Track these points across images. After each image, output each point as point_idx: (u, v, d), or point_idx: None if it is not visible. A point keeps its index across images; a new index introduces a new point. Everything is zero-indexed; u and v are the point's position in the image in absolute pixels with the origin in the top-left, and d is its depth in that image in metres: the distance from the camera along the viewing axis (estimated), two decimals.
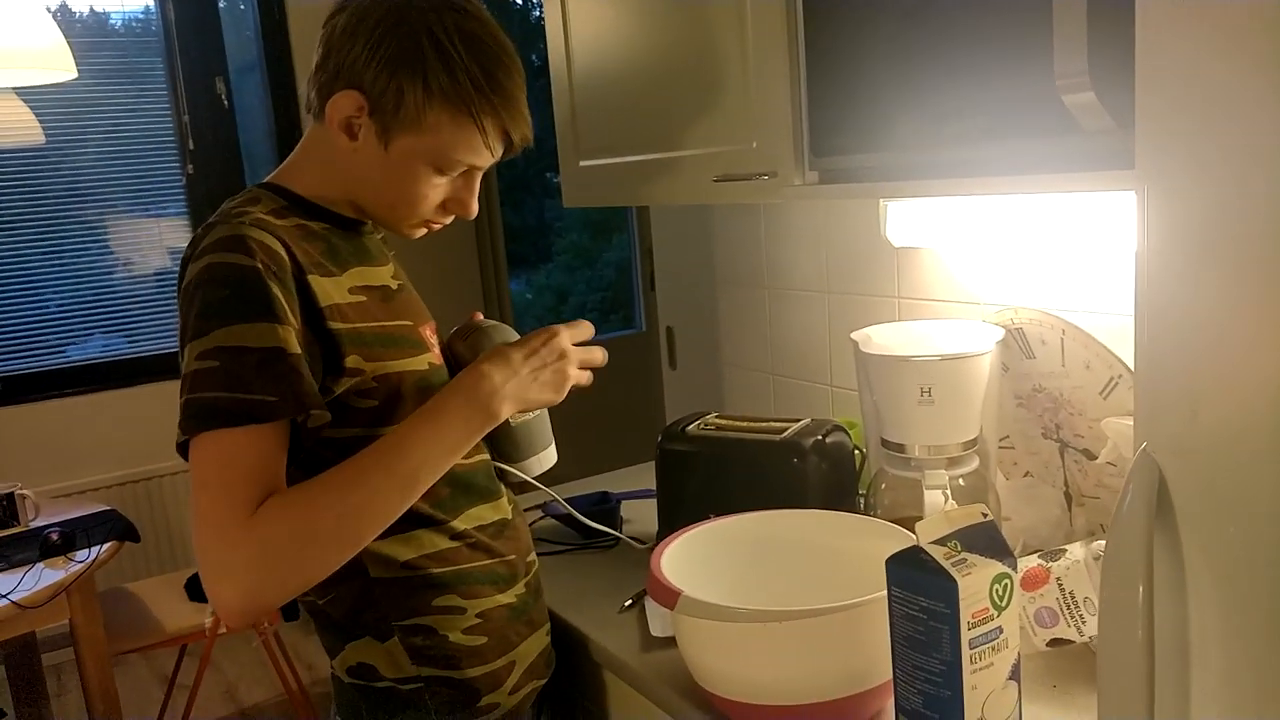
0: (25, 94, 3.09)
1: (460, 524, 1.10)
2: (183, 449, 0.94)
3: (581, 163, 1.63)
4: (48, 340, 3.42)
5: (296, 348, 0.94)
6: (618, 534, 1.56)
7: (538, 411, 1.23)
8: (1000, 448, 1.39)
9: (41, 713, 2.68)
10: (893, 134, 1.06)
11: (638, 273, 4.58)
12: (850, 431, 1.43)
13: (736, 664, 1.00)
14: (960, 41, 0.96)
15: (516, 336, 1.22)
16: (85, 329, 3.49)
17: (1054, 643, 1.06)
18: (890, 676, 0.91)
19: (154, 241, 3.56)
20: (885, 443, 1.28)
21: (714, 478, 1.41)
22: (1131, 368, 1.07)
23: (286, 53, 3.52)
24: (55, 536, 2.28)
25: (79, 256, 3.44)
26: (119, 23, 3.50)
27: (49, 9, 3.24)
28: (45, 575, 2.18)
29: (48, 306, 3.42)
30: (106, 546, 2.31)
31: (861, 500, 1.41)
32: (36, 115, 3.10)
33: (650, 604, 1.26)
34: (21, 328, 3.38)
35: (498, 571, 1.13)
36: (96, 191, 3.44)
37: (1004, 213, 1.33)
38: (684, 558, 1.13)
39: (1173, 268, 0.64)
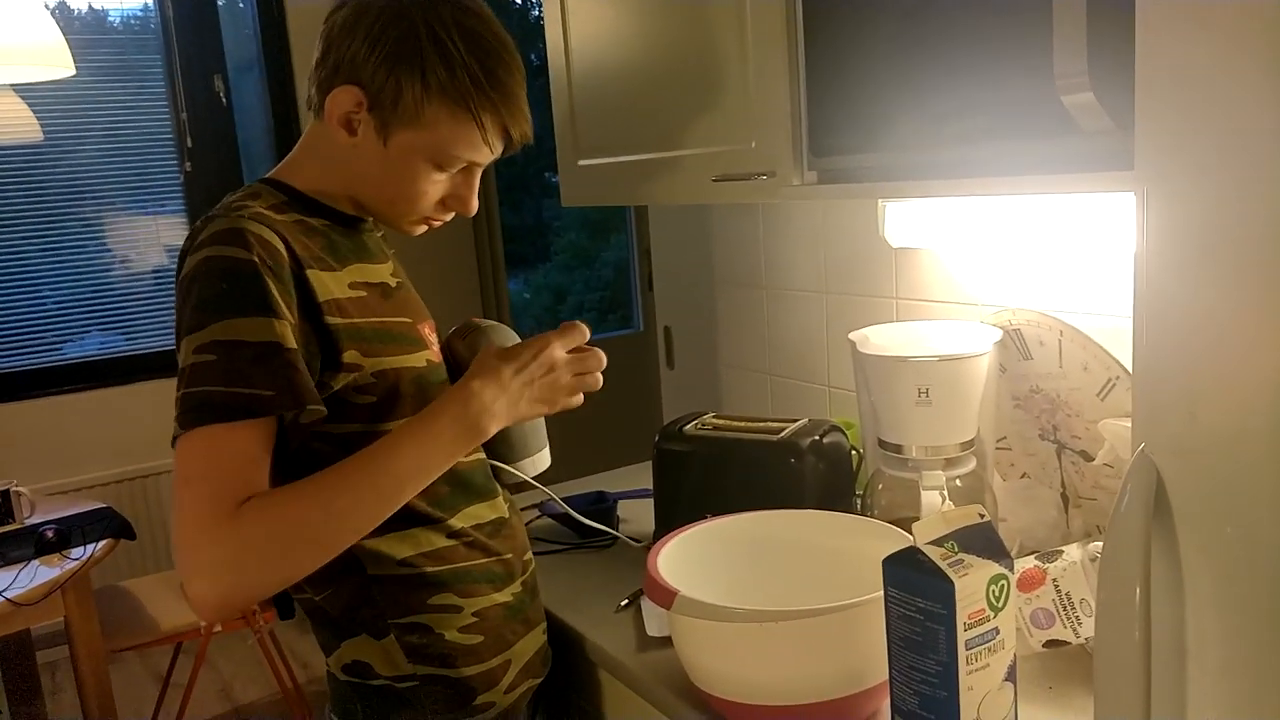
0: (23, 91, 3.08)
1: (457, 522, 1.10)
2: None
3: (580, 162, 1.62)
4: (45, 337, 3.42)
5: (293, 343, 0.94)
6: (615, 533, 1.55)
7: None
8: (997, 449, 1.39)
9: (36, 710, 2.68)
10: (892, 134, 1.06)
11: (636, 272, 4.58)
12: (847, 432, 1.43)
13: (733, 664, 1.00)
14: (960, 42, 0.96)
15: (515, 337, 1.22)
16: (83, 326, 3.49)
17: (1050, 644, 1.06)
18: (886, 677, 0.91)
19: (152, 239, 3.55)
20: (882, 443, 1.28)
21: (711, 478, 1.41)
22: (1129, 369, 1.08)
23: (285, 51, 3.52)
24: (50, 534, 2.28)
25: (77, 253, 3.44)
26: (117, 20, 3.50)
27: (48, 6, 3.24)
28: (40, 572, 2.17)
29: (45, 303, 3.41)
30: (102, 544, 2.30)
31: (858, 501, 1.41)
32: (35, 112, 3.10)
33: (647, 603, 1.26)
34: (19, 324, 3.38)
35: (494, 570, 1.13)
36: (94, 189, 3.44)
37: (1003, 214, 1.33)
38: (681, 557, 1.13)
39: (1172, 269, 0.64)
